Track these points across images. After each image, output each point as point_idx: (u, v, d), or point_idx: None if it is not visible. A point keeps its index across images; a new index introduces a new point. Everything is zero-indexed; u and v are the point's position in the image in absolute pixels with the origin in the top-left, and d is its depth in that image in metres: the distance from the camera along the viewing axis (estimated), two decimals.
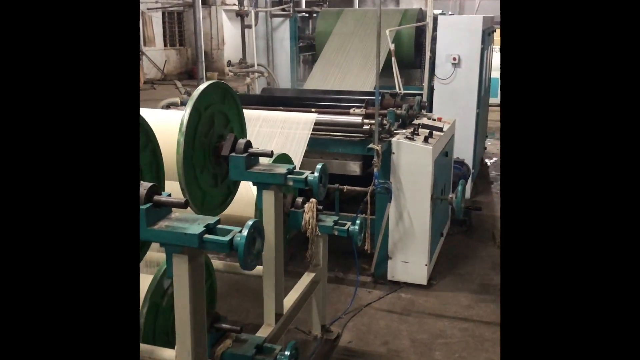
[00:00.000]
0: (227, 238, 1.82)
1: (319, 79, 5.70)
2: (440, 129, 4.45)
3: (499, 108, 12.25)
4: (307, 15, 7.02)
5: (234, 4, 5.69)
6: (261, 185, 2.56)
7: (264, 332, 2.61)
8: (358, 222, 3.29)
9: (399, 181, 4.06)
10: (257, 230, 1.91)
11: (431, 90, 6.17)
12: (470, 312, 3.92)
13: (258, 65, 5.81)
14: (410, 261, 4.18)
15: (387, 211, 4.02)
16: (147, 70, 18.84)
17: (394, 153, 4.03)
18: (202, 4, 20.30)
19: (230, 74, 5.93)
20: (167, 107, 4.43)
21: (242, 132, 2.80)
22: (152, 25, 19.54)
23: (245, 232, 1.84)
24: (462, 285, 4.29)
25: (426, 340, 3.60)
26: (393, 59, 5.18)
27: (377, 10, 3.90)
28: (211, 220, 1.88)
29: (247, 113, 4.30)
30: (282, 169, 2.55)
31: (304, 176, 2.54)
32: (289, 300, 2.92)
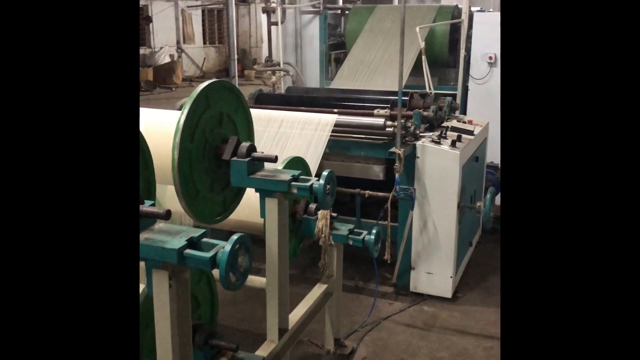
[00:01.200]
0: (209, 254, 1.66)
1: (346, 78, 5.49)
2: (470, 132, 4.18)
3: None
4: (340, 12, 6.83)
5: (274, 2, 5.53)
6: (264, 193, 2.40)
7: (265, 350, 2.45)
8: (374, 231, 3.09)
9: (424, 187, 3.82)
10: (242, 246, 1.74)
11: (465, 90, 5.88)
12: (496, 330, 3.65)
13: (284, 63, 5.65)
14: (435, 272, 3.93)
15: (409, 219, 3.79)
16: (187, 67, 19.02)
17: (418, 157, 3.80)
18: (242, 1, 20.47)
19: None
20: None
21: (249, 135, 2.64)
22: (192, 23, 19.71)
23: (227, 248, 1.67)
24: (490, 300, 4.02)
25: (447, 359, 3.36)
26: (423, 57, 4.93)
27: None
28: (195, 233, 1.73)
29: (267, 113, 4.17)
30: (286, 175, 2.37)
31: (309, 183, 2.36)
32: (296, 314, 2.75)
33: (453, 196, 3.77)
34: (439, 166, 3.76)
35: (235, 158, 2.36)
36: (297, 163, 3.02)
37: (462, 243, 4.09)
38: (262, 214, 2.44)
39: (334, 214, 3.06)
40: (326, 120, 3.85)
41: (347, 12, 6.64)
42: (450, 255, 3.87)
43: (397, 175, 3.62)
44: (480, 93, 5.83)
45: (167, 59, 17.58)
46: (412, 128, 3.82)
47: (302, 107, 4.34)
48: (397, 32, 6.09)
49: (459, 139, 3.89)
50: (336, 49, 6.57)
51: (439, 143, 3.80)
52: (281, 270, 2.47)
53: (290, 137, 3.90)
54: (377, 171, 4.05)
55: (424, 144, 3.79)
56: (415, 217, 3.87)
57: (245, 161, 2.33)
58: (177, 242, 1.66)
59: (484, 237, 4.96)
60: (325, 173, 2.42)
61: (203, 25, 20.46)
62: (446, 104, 4.52)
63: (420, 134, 3.96)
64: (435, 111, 4.17)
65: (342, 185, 4.23)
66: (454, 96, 5.80)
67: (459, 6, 6.05)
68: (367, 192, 4.05)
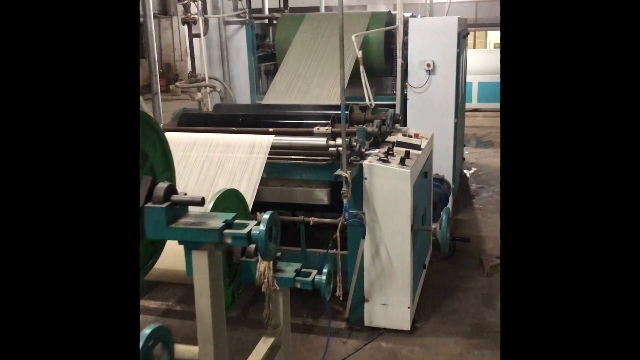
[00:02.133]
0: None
1: (279, 92, 5.06)
2: (417, 147, 3.87)
3: (474, 113, 11.83)
4: (267, 21, 6.41)
5: (195, 13, 5.01)
6: (190, 245, 1.92)
7: None
8: (325, 270, 2.68)
9: (374, 211, 3.46)
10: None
11: (404, 100, 5.62)
12: None
13: (210, 78, 5.15)
14: (390, 304, 3.57)
15: (360, 248, 3.41)
16: None
17: (366, 178, 3.43)
18: (163, 14, 19.60)
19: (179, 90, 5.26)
20: None
21: (169, 171, 2.17)
22: None
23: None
24: (451, 328, 3.70)
25: None
26: (361, 67, 4.60)
27: (344, 14, 3.31)
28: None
29: (193, 137, 3.68)
30: (217, 220, 1.91)
31: (246, 230, 1.91)
32: None
33: (406, 218, 3.43)
34: (389, 187, 3.41)
35: (149, 204, 1.87)
36: (230, 197, 2.56)
37: (416, 268, 3.76)
38: (189, 271, 1.96)
39: (278, 254, 2.62)
40: (261, 143, 3.42)
41: (275, 21, 6.24)
42: (407, 284, 3.52)
43: (345, 201, 3.23)
44: (419, 102, 5.58)
45: None
46: (357, 146, 3.45)
47: (233, 127, 3.88)
48: (330, 40, 5.77)
49: (407, 155, 3.56)
50: (266, 61, 6.15)
51: (386, 161, 3.45)
52: (217, 339, 2.00)
53: (221, 163, 3.43)
54: (321, 195, 3.65)
55: (371, 163, 3.43)
56: (367, 244, 3.50)
57: (163, 207, 1.85)
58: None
59: (435, 255, 4.68)
60: (265, 216, 1.97)
61: None
62: (389, 116, 4.19)
63: (366, 152, 3.60)
64: (379, 126, 3.82)
65: (284, 211, 3.81)
66: (393, 106, 5.53)
67: (392, 12, 5.79)
68: (312, 219, 3.64)
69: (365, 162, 3.43)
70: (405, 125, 5.61)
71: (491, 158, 8.33)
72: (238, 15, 5.73)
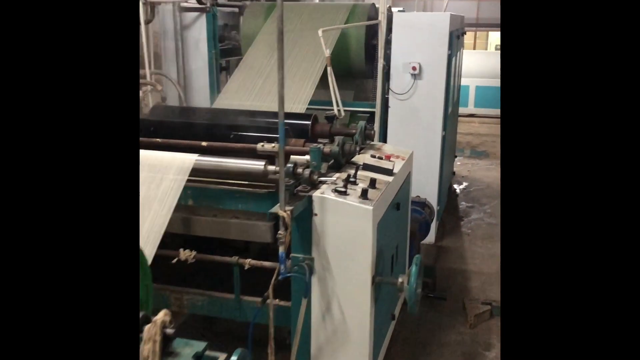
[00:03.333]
0: None
1: (235, 94, 4.28)
2: (389, 172, 3.10)
3: (469, 119, 11.07)
4: (238, 10, 5.62)
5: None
6: None
7: None
8: (235, 356, 1.91)
9: (325, 257, 2.69)
10: None
11: (386, 107, 4.85)
12: None
13: (156, 74, 4.37)
14: None
15: (302, 309, 2.63)
16: None
17: (316, 214, 2.66)
18: None
19: None
20: None
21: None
22: None
23: None
24: None
25: None
26: (329, 69, 3.84)
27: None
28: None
29: None
30: None
31: None
32: None
33: (365, 267, 2.66)
34: (346, 226, 2.64)
35: None
36: None
37: (379, 328, 3.00)
38: None
39: (170, 330, 1.85)
40: (180, 163, 2.64)
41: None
42: (365, 349, 2.76)
43: (281, 249, 2.44)
44: (402, 110, 4.83)
45: None
46: (308, 174, 2.68)
47: (158, 140, 3.10)
48: (301, 35, 4.98)
49: (372, 184, 2.79)
50: (231, 55, 5.36)
51: (344, 193, 2.68)
52: None
53: None
54: (262, 230, 2.87)
55: (324, 195, 2.66)
56: (316, 297, 2.73)
57: None
58: None
59: None
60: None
61: None
62: (358, 131, 3.42)
63: (320, 179, 2.83)
64: (342, 145, 3.05)
65: (216, 249, 3.05)
66: (372, 114, 4.77)
67: (376, 5, 5.00)
68: (249, 262, 2.87)
69: (316, 194, 2.67)
70: (385, 137, 4.86)
71: (485, 171, 7.58)
72: (198, 1, 4.94)
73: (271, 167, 2.68)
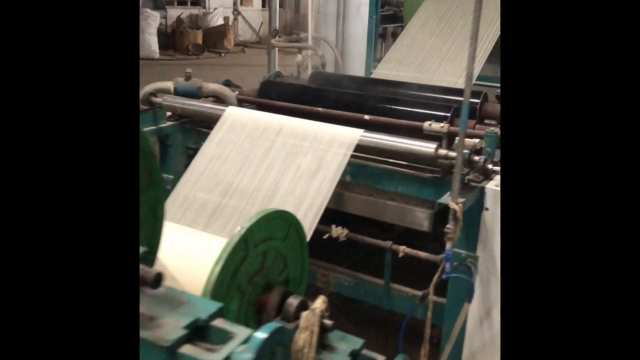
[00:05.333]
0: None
1: (395, 65, 4.01)
2: None
3: None
4: None
5: None
6: None
7: None
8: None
9: (492, 257, 2.39)
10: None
11: None
12: None
13: (317, 38, 4.24)
14: None
15: (463, 314, 2.36)
16: (242, 32, 17.81)
17: (487, 209, 2.36)
18: None
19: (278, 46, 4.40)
20: (153, 94, 3.03)
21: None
22: None
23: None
24: None
25: None
26: None
27: None
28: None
29: (263, 117, 2.84)
30: (173, 324, 1.06)
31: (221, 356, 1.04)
32: None
33: None
34: None
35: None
36: (275, 222, 1.72)
37: None
38: None
39: (328, 321, 1.71)
40: (343, 138, 2.47)
41: None
42: None
43: (448, 245, 2.17)
44: None
45: (221, 21, 16.37)
46: (481, 161, 2.37)
47: (319, 108, 2.97)
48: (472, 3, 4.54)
49: None
50: (390, 22, 5.08)
51: None
52: None
53: (290, 155, 2.55)
54: (420, 218, 2.64)
55: (499, 188, 2.33)
56: (475, 299, 2.45)
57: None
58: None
59: None
60: (260, 336, 1.04)
61: None
62: None
63: (494, 168, 2.50)
64: None
65: (367, 231, 2.88)
66: None
67: None
68: (402, 249, 2.66)
69: (489, 185, 2.35)
70: None
71: None
72: None
73: (442, 151, 2.40)
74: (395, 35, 5.18)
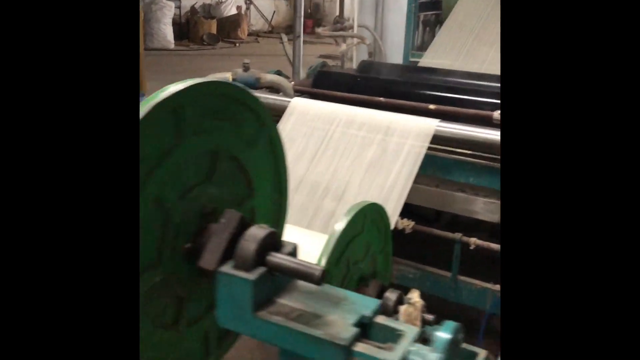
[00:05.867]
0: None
1: (442, 53, 3.95)
2: None
3: None
4: None
5: None
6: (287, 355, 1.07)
7: None
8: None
9: None
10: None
11: None
12: None
13: (359, 26, 4.18)
14: None
15: None
16: (254, 21, 17.71)
17: None
18: None
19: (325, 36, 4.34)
20: None
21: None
22: None
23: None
24: None
25: None
26: None
27: None
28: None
29: (329, 107, 2.80)
30: (344, 320, 1.02)
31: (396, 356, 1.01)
32: None
33: None
34: None
35: (227, 268, 1.04)
36: (369, 215, 1.68)
37: None
38: None
39: (429, 316, 1.68)
40: (419, 128, 2.42)
41: None
42: None
43: None
44: None
45: (234, 11, 16.28)
46: None
47: (381, 98, 2.92)
48: None
49: None
50: (428, 10, 5.01)
51: None
52: None
53: (360, 147, 2.51)
54: (492, 208, 2.60)
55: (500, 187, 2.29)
56: None
57: (251, 280, 1.00)
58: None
59: None
60: (444, 336, 1.01)
61: None
62: None
63: None
64: None
65: (434, 222, 2.84)
66: None
67: None
68: (474, 241, 2.62)
69: None
70: None
71: None
72: None
73: None
74: (429, 24, 5.12)
